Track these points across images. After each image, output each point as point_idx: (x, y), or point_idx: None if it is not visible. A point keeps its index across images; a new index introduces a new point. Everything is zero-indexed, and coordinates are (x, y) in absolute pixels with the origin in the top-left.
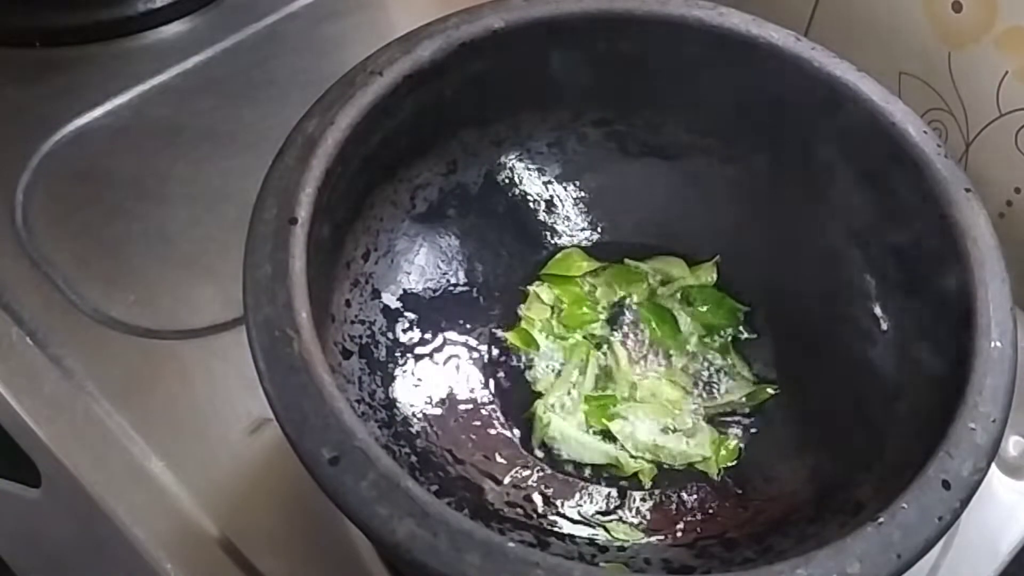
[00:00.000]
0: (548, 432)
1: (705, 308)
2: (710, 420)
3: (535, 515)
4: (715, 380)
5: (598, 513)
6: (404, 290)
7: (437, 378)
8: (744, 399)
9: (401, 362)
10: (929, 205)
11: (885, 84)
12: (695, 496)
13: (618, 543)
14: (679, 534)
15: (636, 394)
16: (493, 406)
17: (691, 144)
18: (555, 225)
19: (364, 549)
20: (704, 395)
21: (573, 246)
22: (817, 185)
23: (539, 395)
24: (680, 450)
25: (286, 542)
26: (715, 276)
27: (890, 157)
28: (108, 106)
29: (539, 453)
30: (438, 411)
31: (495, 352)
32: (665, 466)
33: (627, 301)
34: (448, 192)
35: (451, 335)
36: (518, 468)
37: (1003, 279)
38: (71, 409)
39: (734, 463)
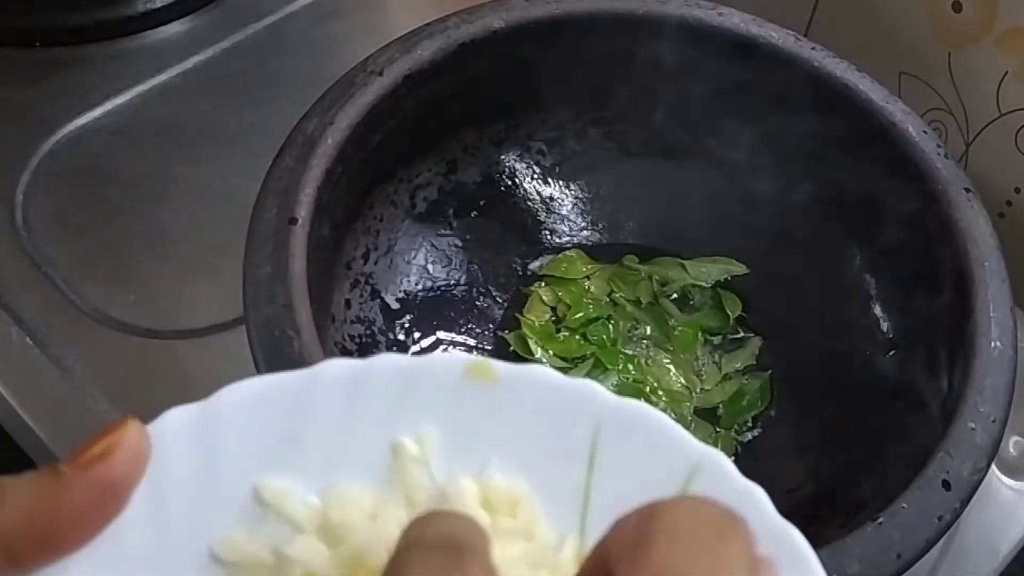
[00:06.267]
0: None
1: (704, 308)
2: (707, 417)
3: None
4: (713, 378)
5: None
6: (404, 290)
7: None
8: (742, 397)
9: None
10: (929, 205)
11: (885, 84)
12: None
13: None
14: None
15: (642, 380)
16: None
17: (691, 144)
18: (555, 225)
19: None
20: (702, 392)
21: (573, 246)
22: (817, 185)
23: None
24: None
25: None
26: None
27: (890, 157)
28: (108, 106)
29: None
30: None
31: (495, 353)
32: None
33: (625, 303)
34: (448, 192)
35: (451, 335)
36: None
37: (1003, 279)
38: (71, 409)
39: (733, 459)
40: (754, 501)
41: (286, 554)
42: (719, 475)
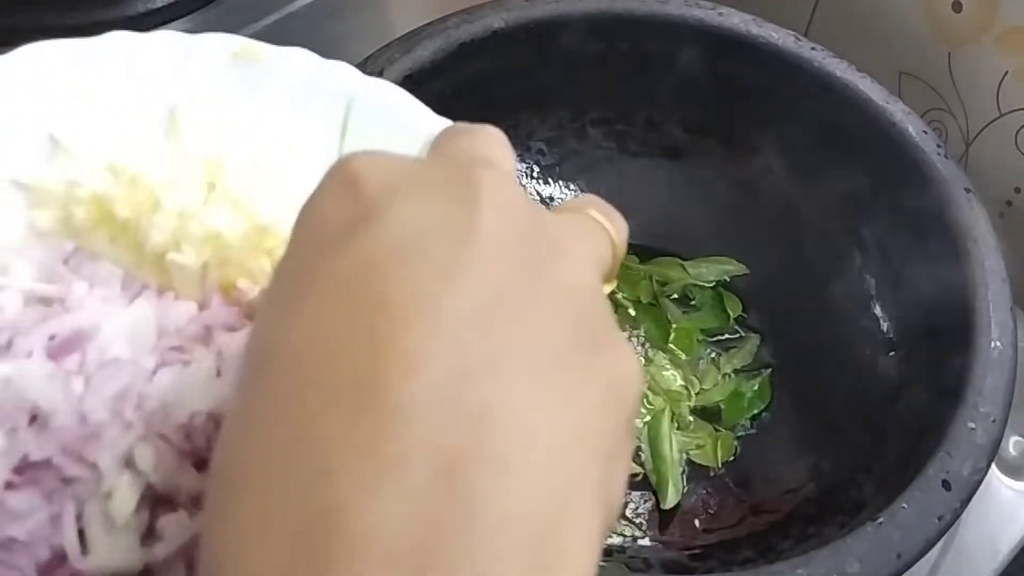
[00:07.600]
0: None
1: (704, 308)
2: (707, 416)
3: None
4: (712, 377)
5: None
6: None
7: None
8: (742, 397)
9: None
10: (929, 205)
11: (885, 84)
12: (696, 496)
13: (618, 544)
14: (679, 534)
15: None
16: None
17: (691, 143)
18: None
19: None
20: (701, 391)
21: None
22: (817, 185)
23: None
24: (678, 440)
25: None
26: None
27: (890, 157)
28: None
29: None
30: None
31: None
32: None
33: (625, 303)
34: None
35: None
36: None
37: (1003, 279)
38: None
39: (733, 459)
40: None
41: (76, 180)
42: None
